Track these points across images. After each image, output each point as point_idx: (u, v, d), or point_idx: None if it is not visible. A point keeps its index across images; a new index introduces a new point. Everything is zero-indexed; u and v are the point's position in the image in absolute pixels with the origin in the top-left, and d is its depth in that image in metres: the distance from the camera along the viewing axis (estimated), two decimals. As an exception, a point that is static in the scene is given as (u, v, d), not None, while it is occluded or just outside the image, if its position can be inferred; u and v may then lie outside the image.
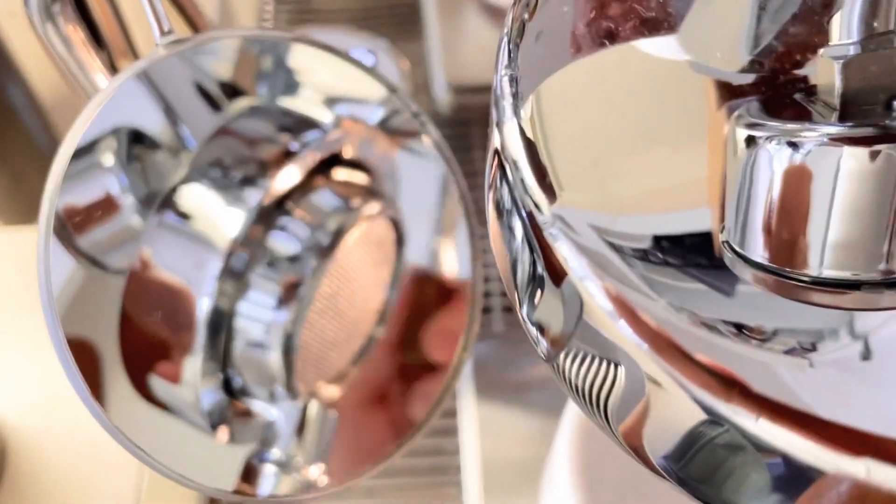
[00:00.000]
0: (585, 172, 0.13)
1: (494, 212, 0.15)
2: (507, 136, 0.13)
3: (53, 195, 0.24)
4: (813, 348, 0.15)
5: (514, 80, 0.13)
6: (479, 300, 0.26)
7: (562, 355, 0.14)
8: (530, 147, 0.13)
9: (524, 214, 0.13)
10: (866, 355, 0.15)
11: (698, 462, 0.15)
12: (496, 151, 0.14)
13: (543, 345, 0.15)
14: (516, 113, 0.13)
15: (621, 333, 0.12)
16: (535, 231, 0.13)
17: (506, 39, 0.14)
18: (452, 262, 0.27)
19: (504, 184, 0.15)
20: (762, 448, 0.12)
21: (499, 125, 0.14)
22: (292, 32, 0.25)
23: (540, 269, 0.14)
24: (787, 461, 0.13)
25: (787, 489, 0.14)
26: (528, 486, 0.34)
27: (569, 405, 0.28)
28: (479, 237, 0.26)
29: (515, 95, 0.13)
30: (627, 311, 0.12)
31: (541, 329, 0.14)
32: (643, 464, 0.14)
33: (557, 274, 0.13)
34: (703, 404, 0.12)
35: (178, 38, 0.24)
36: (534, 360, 0.39)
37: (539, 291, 0.14)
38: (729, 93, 0.18)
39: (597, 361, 0.14)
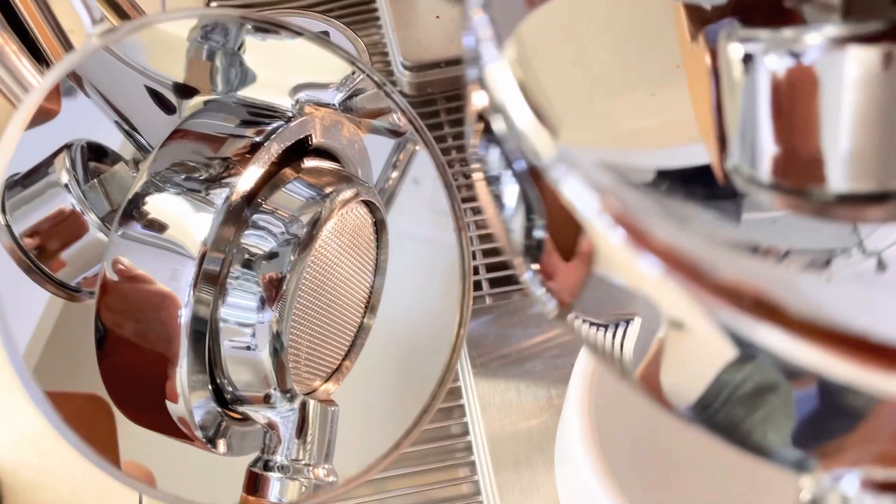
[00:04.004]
0: (580, 112, 0.12)
1: (483, 181, 0.14)
2: (495, 80, 0.12)
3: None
4: (827, 265, 0.14)
5: (492, 21, 0.12)
6: (470, 274, 0.25)
7: (575, 310, 0.13)
8: (522, 88, 0.12)
9: (520, 168, 0.12)
10: (882, 268, 0.14)
11: (730, 402, 0.14)
12: (478, 113, 0.13)
13: (553, 303, 0.14)
14: (501, 54, 0.12)
15: (642, 269, 0.11)
16: (535, 180, 0.12)
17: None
18: (437, 238, 0.25)
19: (491, 145, 0.14)
20: (798, 372, 0.11)
21: (480, 72, 0.12)
22: (240, 11, 0.23)
23: (540, 227, 0.13)
24: (823, 387, 0.12)
25: (826, 423, 0.13)
26: (537, 454, 0.34)
27: (576, 371, 0.27)
28: (463, 208, 0.25)
29: (497, 37, 0.12)
30: (648, 242, 0.11)
31: (549, 287, 0.13)
32: (671, 412, 0.14)
33: (562, 222, 0.12)
34: (733, 332, 0.11)
35: (111, 26, 0.23)
36: (526, 330, 0.38)
37: (541, 249, 0.13)
38: (703, 19, 0.17)
39: (613, 309, 0.13)
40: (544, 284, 0.14)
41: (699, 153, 0.15)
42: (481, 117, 0.13)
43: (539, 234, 0.14)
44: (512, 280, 0.42)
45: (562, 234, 0.12)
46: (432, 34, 0.43)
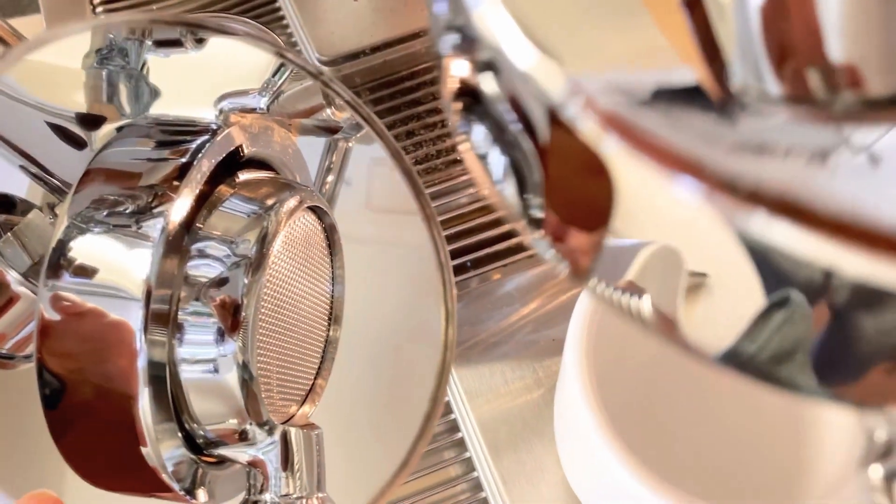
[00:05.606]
0: (574, 42, 0.11)
1: (473, 157, 0.13)
2: (486, 22, 0.10)
3: None
4: (825, 160, 0.13)
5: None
6: (448, 264, 0.23)
7: (594, 266, 0.12)
8: (519, 24, 0.10)
9: (518, 129, 0.11)
10: (875, 162, 0.13)
11: (769, 341, 0.13)
12: (458, 88, 0.12)
13: (566, 264, 0.12)
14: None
15: (680, 194, 0.10)
16: (541, 132, 0.10)
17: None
18: (404, 232, 0.24)
19: (475, 123, 0.12)
20: (826, 283, 0.10)
21: (465, 24, 0.11)
22: (149, 14, 0.21)
23: (537, 191, 0.12)
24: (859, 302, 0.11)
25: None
26: (536, 437, 0.32)
27: (569, 341, 0.26)
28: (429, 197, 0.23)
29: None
30: (682, 165, 0.09)
31: (560, 248, 0.12)
32: (703, 359, 0.13)
33: (577, 166, 0.10)
34: (771, 248, 0.10)
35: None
36: (497, 312, 0.37)
37: (550, 208, 0.12)
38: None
39: (641, 257, 0.11)
40: (554, 246, 0.13)
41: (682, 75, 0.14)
42: (461, 93, 0.12)
43: (537, 204, 0.12)
44: (468, 267, 0.41)
45: (577, 181, 0.11)
46: (346, 23, 0.41)
